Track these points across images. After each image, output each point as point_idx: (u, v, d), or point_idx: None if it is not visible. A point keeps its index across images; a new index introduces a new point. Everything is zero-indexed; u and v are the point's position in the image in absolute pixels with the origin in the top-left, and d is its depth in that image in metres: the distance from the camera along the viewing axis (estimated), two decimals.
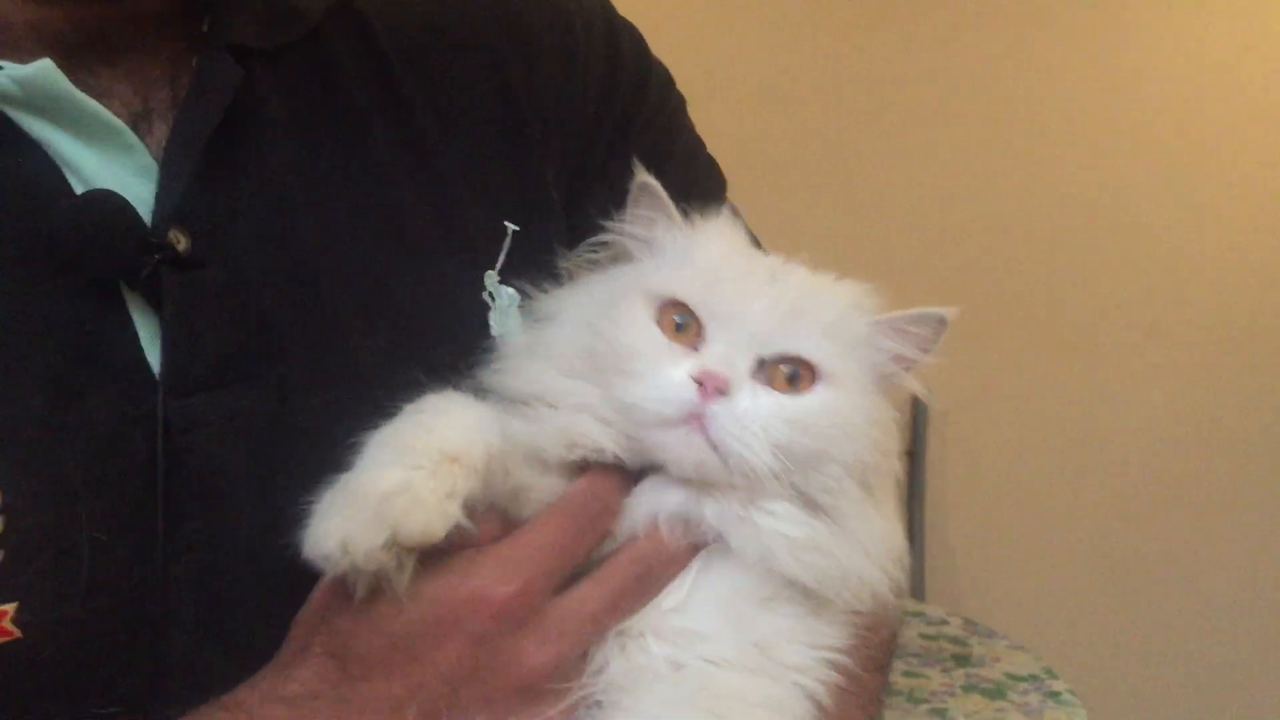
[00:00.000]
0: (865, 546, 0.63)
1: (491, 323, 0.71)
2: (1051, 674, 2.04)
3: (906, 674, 2.07)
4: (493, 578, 0.58)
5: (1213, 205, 2.68)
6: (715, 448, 0.60)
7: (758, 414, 0.60)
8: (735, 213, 0.71)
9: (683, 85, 0.88)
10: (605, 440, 0.62)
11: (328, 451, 0.58)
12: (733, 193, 0.87)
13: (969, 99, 2.63)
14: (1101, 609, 2.75)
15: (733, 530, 0.61)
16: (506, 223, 0.73)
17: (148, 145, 0.63)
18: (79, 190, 0.60)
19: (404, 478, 0.56)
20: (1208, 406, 2.74)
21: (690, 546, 0.62)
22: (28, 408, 0.57)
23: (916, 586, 2.57)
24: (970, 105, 2.63)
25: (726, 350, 0.62)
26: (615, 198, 0.69)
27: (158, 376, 0.60)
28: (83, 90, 0.60)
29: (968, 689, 2.01)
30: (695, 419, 0.60)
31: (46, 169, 0.60)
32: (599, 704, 0.59)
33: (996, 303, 2.61)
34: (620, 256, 0.70)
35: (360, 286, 0.67)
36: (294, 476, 0.57)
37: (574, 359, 0.64)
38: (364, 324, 0.66)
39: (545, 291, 0.70)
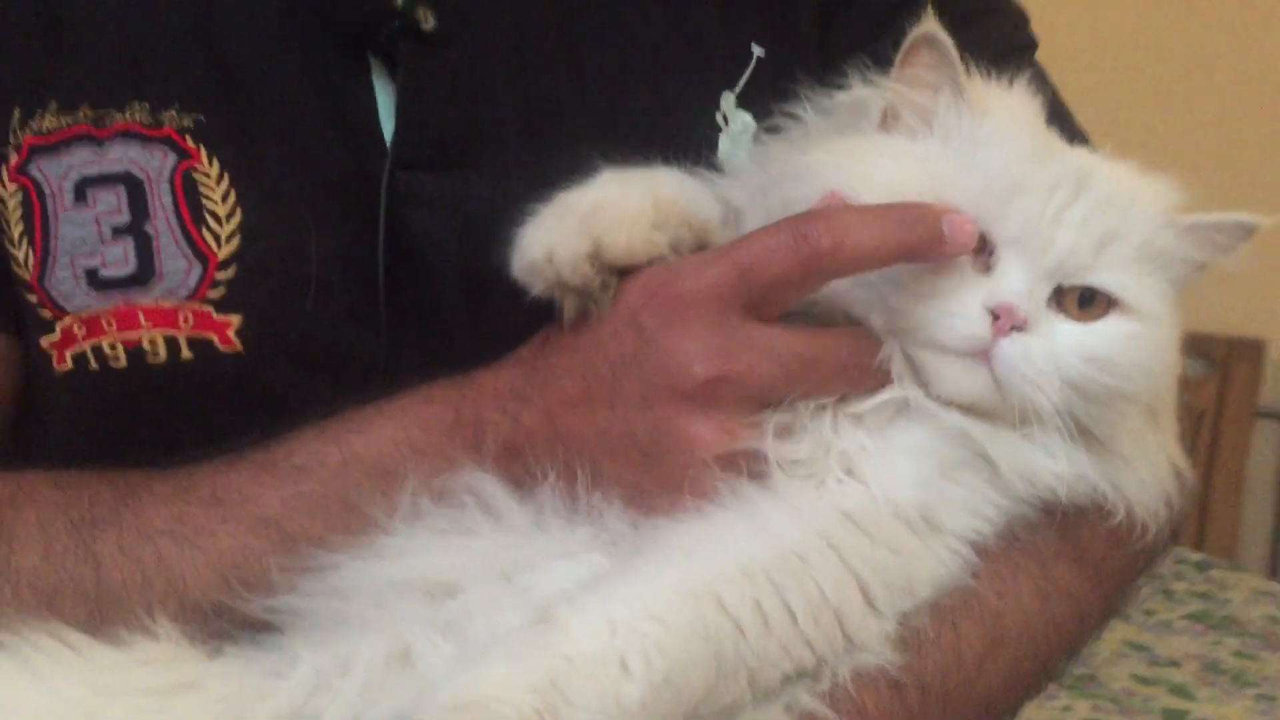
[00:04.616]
0: (1140, 473, 0.59)
1: (721, 147, 0.68)
2: None
3: (1239, 654, 1.88)
4: (686, 270, 0.56)
5: None
6: (999, 384, 0.55)
7: (1054, 351, 0.56)
8: (1037, 77, 0.64)
9: None
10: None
11: None
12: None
13: None
14: None
15: (997, 451, 0.57)
16: (754, 45, 0.70)
17: None
18: None
19: (614, 193, 0.58)
20: None
21: (881, 377, 0.57)
22: (270, 148, 0.62)
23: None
24: None
25: (1026, 279, 0.56)
26: (874, 34, 0.65)
27: (389, 147, 0.64)
28: None
29: None
30: (983, 353, 0.55)
31: None
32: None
33: None
34: (861, 112, 0.62)
35: (589, 92, 0.67)
36: (502, 269, 0.59)
37: None
38: (587, 128, 0.66)
39: (786, 137, 0.63)
